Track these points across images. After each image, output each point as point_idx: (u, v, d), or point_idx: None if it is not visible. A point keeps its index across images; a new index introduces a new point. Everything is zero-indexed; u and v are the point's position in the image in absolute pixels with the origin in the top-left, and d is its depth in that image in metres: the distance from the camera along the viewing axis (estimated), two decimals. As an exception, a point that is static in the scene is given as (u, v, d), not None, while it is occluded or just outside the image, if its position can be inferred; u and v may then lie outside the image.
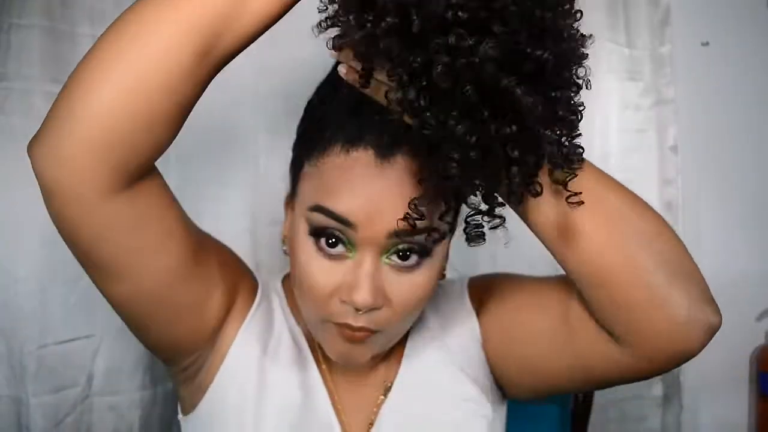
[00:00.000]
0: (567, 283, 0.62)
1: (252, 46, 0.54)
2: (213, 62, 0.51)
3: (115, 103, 0.48)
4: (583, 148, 0.53)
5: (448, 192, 0.53)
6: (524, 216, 0.58)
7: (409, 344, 0.72)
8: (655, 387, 1.06)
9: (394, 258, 0.59)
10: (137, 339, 0.66)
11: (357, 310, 0.58)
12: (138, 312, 0.60)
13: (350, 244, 0.59)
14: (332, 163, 0.58)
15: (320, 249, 0.59)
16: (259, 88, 0.96)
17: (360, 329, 0.60)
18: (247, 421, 0.64)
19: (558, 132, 0.51)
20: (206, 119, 0.94)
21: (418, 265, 0.60)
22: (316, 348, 0.70)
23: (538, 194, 0.52)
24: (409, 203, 0.53)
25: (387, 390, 0.69)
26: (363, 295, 0.57)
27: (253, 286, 0.71)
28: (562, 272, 0.61)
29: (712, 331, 0.56)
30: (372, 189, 0.57)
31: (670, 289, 0.54)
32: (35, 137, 0.52)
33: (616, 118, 1.03)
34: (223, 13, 0.49)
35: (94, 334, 0.90)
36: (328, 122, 0.61)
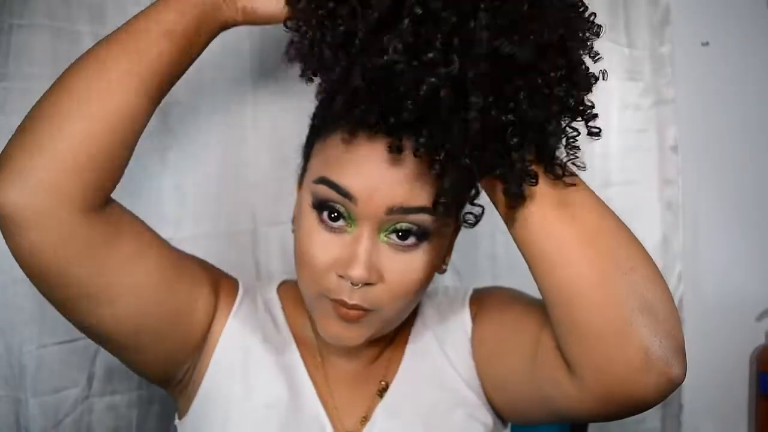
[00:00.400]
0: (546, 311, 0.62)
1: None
2: (165, 91, 0.61)
3: (84, 138, 0.54)
4: (584, 165, 0.54)
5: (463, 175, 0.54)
6: (511, 226, 0.58)
7: (410, 345, 0.73)
8: (655, 387, 1.06)
9: (393, 237, 0.61)
10: (129, 368, 0.68)
11: (353, 285, 0.60)
12: (125, 334, 0.61)
13: (350, 219, 0.61)
14: (339, 139, 0.61)
15: (322, 221, 0.62)
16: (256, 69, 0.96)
17: (354, 307, 0.61)
18: (234, 421, 0.65)
19: (562, 122, 0.53)
20: (206, 120, 0.95)
21: (415, 246, 0.62)
22: (306, 344, 0.71)
23: (533, 184, 0.53)
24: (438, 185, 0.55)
25: (384, 389, 0.70)
26: (358, 269, 0.59)
27: (234, 285, 0.72)
28: None
29: (671, 385, 0.51)
30: (376, 166, 0.59)
31: (634, 326, 0.50)
32: None
33: (616, 118, 1.03)
34: (172, 61, 0.59)
35: (94, 334, 0.90)
36: (337, 104, 0.61)
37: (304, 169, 0.68)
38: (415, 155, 0.53)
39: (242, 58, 0.94)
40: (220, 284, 0.70)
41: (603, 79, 0.56)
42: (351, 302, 0.61)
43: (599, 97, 1.00)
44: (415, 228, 0.61)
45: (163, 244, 0.64)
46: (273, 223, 0.96)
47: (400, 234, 0.61)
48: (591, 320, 0.52)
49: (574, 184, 0.55)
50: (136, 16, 0.60)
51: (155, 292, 0.61)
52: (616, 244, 0.54)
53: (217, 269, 0.73)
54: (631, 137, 1.04)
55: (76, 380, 0.89)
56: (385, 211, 0.59)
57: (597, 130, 0.55)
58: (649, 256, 0.55)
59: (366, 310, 0.62)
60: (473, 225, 0.61)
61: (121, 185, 0.91)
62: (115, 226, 0.58)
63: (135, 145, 0.58)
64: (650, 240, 1.04)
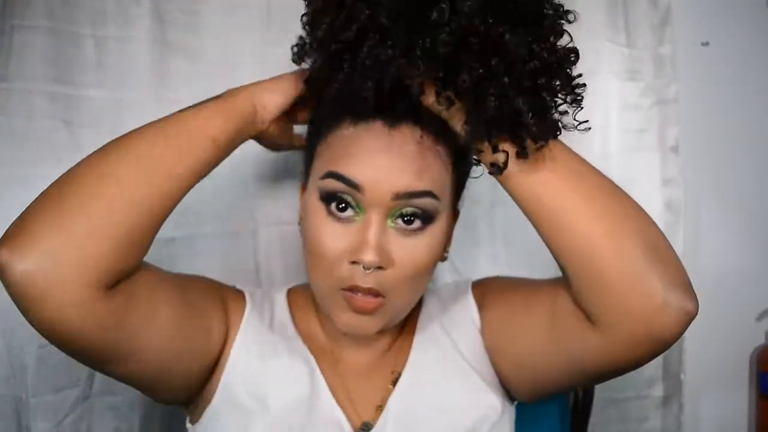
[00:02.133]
0: (555, 282, 0.66)
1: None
2: (194, 185, 0.63)
3: (115, 222, 0.55)
4: (558, 129, 0.59)
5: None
6: (514, 190, 0.61)
7: (417, 336, 0.75)
8: (655, 387, 1.06)
9: (399, 222, 0.64)
10: (154, 399, 0.69)
11: (365, 269, 0.62)
12: (152, 377, 0.63)
13: (358, 208, 0.64)
14: (342, 135, 0.65)
15: (330, 213, 0.64)
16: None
17: (369, 291, 0.63)
18: (253, 429, 0.66)
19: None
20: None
21: (421, 230, 0.65)
22: (317, 345, 0.72)
23: (553, 136, 0.59)
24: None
25: (396, 379, 0.71)
26: (369, 253, 0.62)
27: (240, 299, 0.73)
28: (559, 274, 0.63)
29: (689, 317, 0.55)
30: (379, 155, 0.63)
31: (647, 268, 0.55)
32: (13, 247, 0.52)
33: (617, 118, 1.03)
34: (208, 164, 0.63)
35: (95, 334, 0.90)
36: (333, 108, 0.66)
37: (307, 173, 0.70)
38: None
39: (244, 58, 0.94)
40: (228, 303, 0.72)
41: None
42: (365, 285, 0.63)
43: (599, 97, 1.02)
44: (420, 212, 0.64)
45: (174, 287, 0.64)
46: (273, 223, 0.96)
47: (406, 219, 0.64)
48: (608, 269, 0.56)
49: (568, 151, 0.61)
50: (186, 112, 0.63)
51: (175, 338, 0.63)
52: (615, 197, 0.59)
53: (222, 286, 0.74)
54: (631, 137, 1.04)
55: (77, 380, 0.89)
56: (392, 197, 0.63)
57: (581, 99, 0.59)
58: (635, 201, 0.60)
59: (379, 297, 0.64)
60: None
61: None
62: (132, 292, 0.58)
63: (161, 226, 0.61)
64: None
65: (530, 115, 0.56)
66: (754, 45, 1.09)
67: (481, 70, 0.55)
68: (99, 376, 0.90)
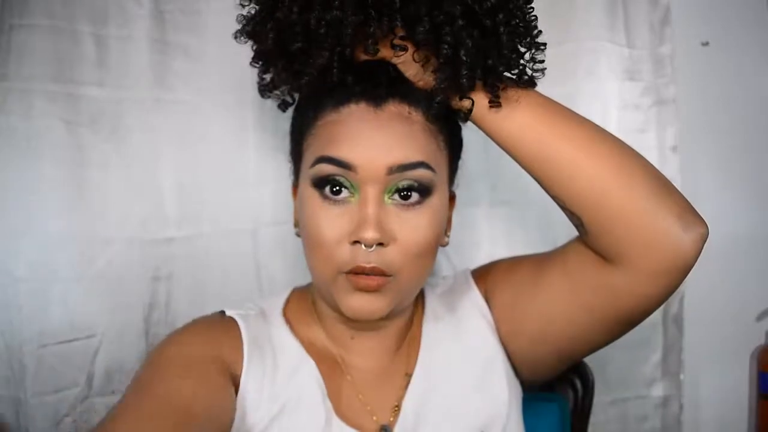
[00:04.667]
0: (559, 248, 0.70)
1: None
2: None
3: None
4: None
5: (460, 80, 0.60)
6: (522, 154, 0.64)
7: (424, 334, 0.74)
8: (655, 387, 1.06)
9: (396, 197, 0.64)
10: None
11: (366, 248, 0.61)
12: None
13: (353, 188, 0.63)
14: (326, 121, 0.65)
15: (325, 198, 0.64)
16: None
17: (372, 270, 0.62)
18: None
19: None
20: (207, 120, 0.95)
21: (419, 203, 0.64)
22: (325, 357, 0.71)
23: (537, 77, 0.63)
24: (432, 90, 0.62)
25: (408, 381, 0.71)
26: (370, 230, 0.61)
27: (236, 340, 0.68)
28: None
29: (703, 238, 0.59)
30: (368, 133, 0.63)
31: (660, 199, 0.59)
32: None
33: (616, 118, 1.03)
34: None
35: (94, 334, 0.89)
36: (313, 98, 0.66)
37: (297, 171, 0.70)
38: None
39: (243, 58, 0.94)
40: (226, 358, 0.66)
41: None
42: (368, 265, 0.62)
43: (599, 97, 1.02)
44: (416, 185, 0.64)
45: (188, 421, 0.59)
46: (273, 223, 0.96)
47: (402, 194, 0.64)
48: (624, 205, 0.59)
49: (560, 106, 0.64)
50: None
51: None
52: (613, 140, 0.63)
53: (217, 341, 0.67)
54: (630, 137, 1.02)
55: (76, 380, 0.89)
56: (386, 172, 0.62)
57: (542, 45, 0.62)
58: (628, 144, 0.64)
59: (384, 275, 0.63)
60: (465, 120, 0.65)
61: (121, 185, 0.92)
62: None
63: None
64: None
65: (497, 55, 0.59)
66: (754, 45, 1.09)
67: (440, 16, 0.57)
68: (99, 376, 0.90)
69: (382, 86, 0.64)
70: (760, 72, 1.10)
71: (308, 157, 0.66)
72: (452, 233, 0.74)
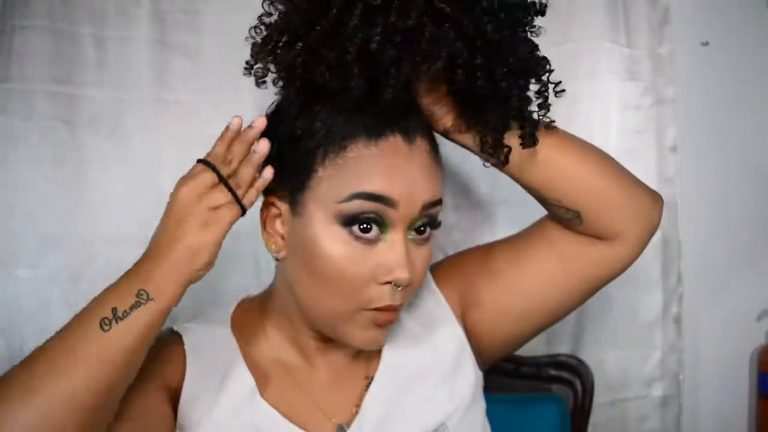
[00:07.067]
0: (528, 232, 0.75)
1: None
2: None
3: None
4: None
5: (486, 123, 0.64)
6: (527, 175, 0.69)
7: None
8: (655, 387, 1.06)
9: (413, 233, 0.64)
10: None
11: (396, 287, 0.62)
12: None
13: (384, 225, 0.62)
14: (360, 154, 0.61)
15: (356, 237, 0.61)
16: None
17: (399, 307, 0.64)
18: None
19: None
20: (206, 120, 0.95)
21: (429, 238, 0.66)
22: (283, 369, 0.69)
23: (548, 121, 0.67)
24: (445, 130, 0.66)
25: (369, 382, 0.70)
26: (406, 272, 0.61)
27: (178, 346, 0.68)
28: None
29: (662, 207, 0.72)
30: (406, 169, 0.62)
31: (636, 186, 0.71)
32: None
33: (616, 118, 1.03)
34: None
35: (94, 334, 0.89)
36: (331, 125, 0.63)
37: (294, 200, 0.64)
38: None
39: (242, 58, 0.94)
40: (167, 376, 0.66)
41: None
42: (396, 304, 0.63)
43: (599, 97, 1.02)
44: (430, 221, 0.64)
45: None
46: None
47: (419, 230, 0.64)
48: (618, 199, 0.69)
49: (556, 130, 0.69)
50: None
51: None
52: (591, 147, 0.71)
53: (159, 363, 0.65)
54: (630, 137, 1.04)
55: (77, 380, 0.89)
56: (420, 209, 0.62)
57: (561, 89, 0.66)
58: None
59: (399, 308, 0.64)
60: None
61: (121, 185, 0.92)
62: None
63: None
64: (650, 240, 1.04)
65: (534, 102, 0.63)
66: (754, 45, 1.10)
67: (495, 69, 0.60)
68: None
69: (411, 119, 0.63)
70: (760, 72, 1.10)
71: (331, 187, 0.61)
72: (452, 233, 0.74)
